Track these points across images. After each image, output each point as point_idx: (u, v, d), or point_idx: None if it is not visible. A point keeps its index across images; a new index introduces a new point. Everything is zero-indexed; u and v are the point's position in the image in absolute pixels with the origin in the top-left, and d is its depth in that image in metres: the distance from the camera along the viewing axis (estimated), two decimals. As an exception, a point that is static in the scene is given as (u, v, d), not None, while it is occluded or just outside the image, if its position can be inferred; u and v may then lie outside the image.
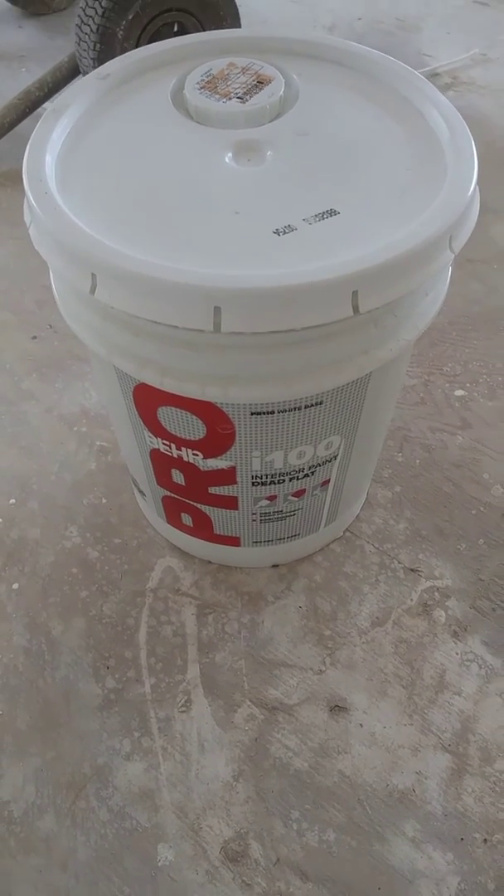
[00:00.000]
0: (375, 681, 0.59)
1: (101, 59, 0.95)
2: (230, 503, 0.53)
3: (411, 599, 0.63)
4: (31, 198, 0.39)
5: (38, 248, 0.40)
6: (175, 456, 0.49)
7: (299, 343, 0.38)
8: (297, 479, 0.51)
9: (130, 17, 0.94)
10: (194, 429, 0.46)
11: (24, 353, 0.83)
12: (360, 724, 0.57)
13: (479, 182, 0.41)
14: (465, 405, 0.77)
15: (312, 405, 0.44)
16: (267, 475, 0.50)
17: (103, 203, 0.40)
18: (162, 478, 0.54)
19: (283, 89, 0.45)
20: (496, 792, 0.53)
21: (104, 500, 0.70)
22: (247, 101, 0.44)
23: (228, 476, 0.50)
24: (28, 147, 0.42)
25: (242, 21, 1.06)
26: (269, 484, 0.51)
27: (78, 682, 0.58)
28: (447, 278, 0.46)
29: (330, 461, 0.51)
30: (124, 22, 0.93)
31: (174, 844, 0.51)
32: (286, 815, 0.53)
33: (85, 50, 0.96)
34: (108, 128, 0.45)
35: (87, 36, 0.95)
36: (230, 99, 0.45)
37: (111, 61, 0.48)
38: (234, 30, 0.53)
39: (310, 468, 0.51)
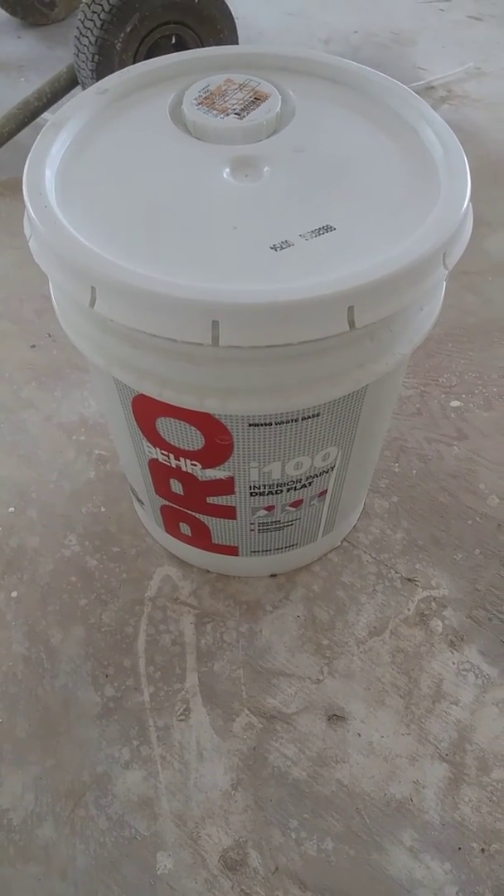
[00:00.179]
0: (373, 690, 0.59)
1: (99, 71, 0.96)
2: (228, 513, 0.54)
3: (408, 609, 0.63)
4: (31, 211, 0.40)
5: (38, 261, 0.41)
6: (174, 466, 0.50)
7: (296, 357, 0.39)
8: (295, 489, 0.52)
9: (129, 29, 0.95)
10: (193, 439, 0.46)
11: (24, 362, 0.83)
12: (358, 734, 0.57)
13: (473, 195, 0.41)
14: (461, 416, 0.77)
15: (309, 417, 0.44)
16: (265, 486, 0.50)
17: (103, 217, 0.40)
18: (160, 487, 0.55)
19: (279, 106, 0.46)
20: (493, 801, 0.54)
21: (103, 509, 0.70)
22: (244, 117, 0.45)
23: (227, 486, 0.50)
24: (28, 161, 0.42)
25: (240, 34, 1.07)
26: (267, 494, 0.51)
27: (77, 690, 0.59)
28: (442, 293, 0.46)
29: (327, 472, 0.52)
30: (122, 34, 0.94)
31: (173, 853, 0.52)
32: (285, 824, 0.53)
33: (83, 61, 0.97)
34: (107, 142, 0.46)
35: (85, 47, 0.96)
36: (227, 115, 0.45)
37: (110, 76, 0.49)
38: (231, 46, 0.54)
39: (307, 479, 0.51)
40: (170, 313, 0.36)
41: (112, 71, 0.86)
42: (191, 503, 0.54)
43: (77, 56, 0.98)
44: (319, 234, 0.39)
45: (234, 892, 0.50)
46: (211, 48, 0.52)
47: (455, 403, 0.78)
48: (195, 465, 0.49)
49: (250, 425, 0.44)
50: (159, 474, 0.53)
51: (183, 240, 0.39)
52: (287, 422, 0.44)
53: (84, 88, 1.02)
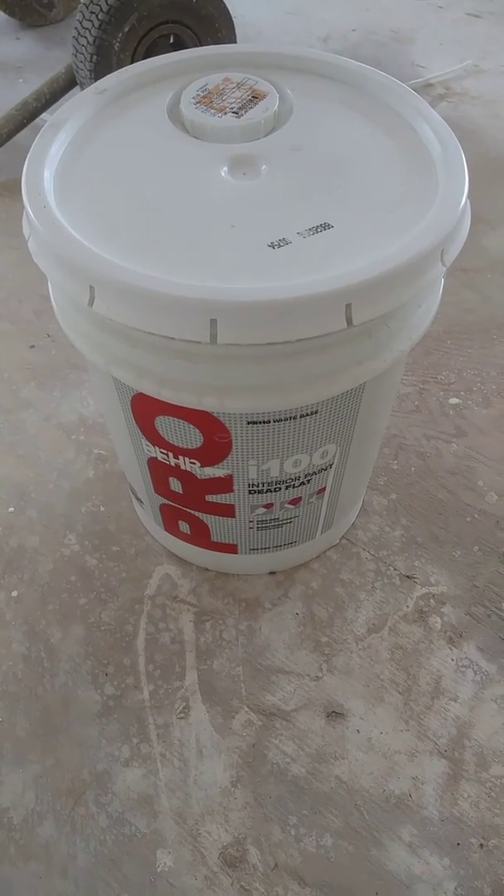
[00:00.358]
0: (372, 687, 0.59)
1: (97, 71, 0.96)
2: (227, 511, 0.54)
3: (407, 606, 0.63)
4: (30, 211, 0.40)
5: (37, 261, 0.41)
6: (172, 464, 0.50)
7: (294, 354, 0.39)
8: (294, 487, 0.52)
9: (127, 29, 0.95)
10: (191, 438, 0.46)
11: (23, 362, 0.83)
12: (357, 730, 0.57)
13: (471, 192, 0.41)
14: (460, 413, 0.77)
15: (308, 414, 0.44)
16: (263, 483, 0.50)
17: (101, 216, 0.41)
18: (160, 486, 0.55)
19: (277, 104, 0.46)
20: (492, 797, 0.54)
21: (102, 508, 0.70)
22: (242, 115, 0.45)
23: (225, 484, 0.50)
24: (27, 161, 0.43)
25: (238, 32, 1.07)
26: (266, 492, 0.51)
27: (77, 689, 0.59)
28: (439, 290, 0.47)
29: (326, 469, 0.52)
30: (120, 34, 0.94)
31: (173, 850, 0.52)
32: (284, 821, 0.53)
33: (82, 61, 0.97)
34: (106, 142, 0.46)
35: (83, 48, 0.96)
36: (225, 114, 0.45)
37: (108, 76, 0.49)
38: (229, 45, 0.54)
39: (306, 476, 0.51)
40: (168, 312, 0.36)
41: (110, 71, 0.86)
42: (190, 501, 0.55)
43: (75, 56, 0.98)
44: (317, 232, 0.39)
45: (234, 889, 0.50)
46: (209, 47, 0.53)
47: (454, 401, 0.79)
48: (194, 464, 0.49)
49: (249, 423, 0.44)
50: (158, 473, 0.53)
51: (181, 238, 0.39)
52: (285, 419, 0.44)
53: (82, 89, 1.02)
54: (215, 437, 0.45)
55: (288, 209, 0.41)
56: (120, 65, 0.95)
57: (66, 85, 1.06)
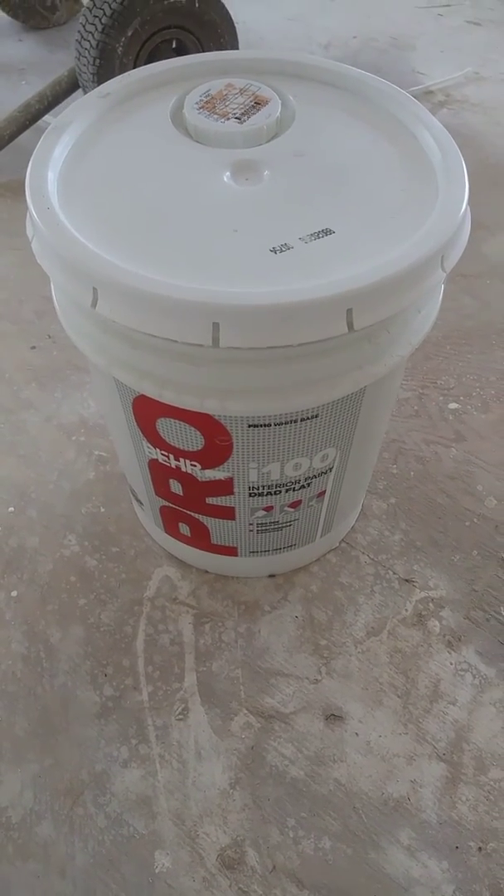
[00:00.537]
0: (371, 690, 0.59)
1: (100, 74, 0.96)
2: (227, 513, 0.54)
3: (406, 610, 0.64)
4: (33, 212, 0.40)
5: (41, 262, 0.41)
6: (173, 466, 0.50)
7: (295, 358, 0.39)
8: (294, 490, 0.52)
9: (130, 33, 0.95)
10: (192, 440, 0.46)
11: (24, 363, 0.83)
12: (356, 733, 0.57)
13: (471, 199, 0.42)
14: (459, 418, 0.78)
15: (308, 418, 0.45)
16: (264, 486, 0.51)
17: (104, 219, 0.41)
18: (160, 488, 0.55)
19: (279, 110, 0.47)
20: (490, 800, 0.54)
21: (102, 509, 0.70)
22: (244, 121, 0.46)
23: (226, 487, 0.51)
24: (31, 163, 0.43)
25: (240, 38, 1.08)
26: (266, 495, 0.52)
27: (76, 689, 0.59)
28: (439, 295, 0.47)
29: (326, 473, 0.52)
30: (123, 38, 0.95)
31: (171, 851, 0.52)
32: (282, 823, 0.53)
33: (84, 65, 0.98)
34: (109, 145, 0.46)
35: (86, 51, 0.96)
36: (228, 119, 0.46)
37: (112, 80, 0.49)
38: (232, 51, 0.54)
39: (306, 480, 0.51)
40: (171, 315, 0.36)
41: (113, 75, 0.87)
42: (190, 503, 0.55)
43: (78, 60, 0.99)
44: (319, 238, 0.39)
45: (232, 891, 0.50)
46: (212, 53, 0.53)
47: (453, 405, 0.79)
48: (195, 466, 0.49)
49: (250, 426, 0.44)
50: (159, 475, 0.53)
51: (184, 242, 0.40)
52: (286, 423, 0.44)
53: (85, 92, 1.02)
54: (216, 440, 0.46)
55: (290, 214, 0.41)
56: (123, 69, 0.96)
57: (68, 88, 1.07)
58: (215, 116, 0.46)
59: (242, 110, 0.46)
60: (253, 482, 0.50)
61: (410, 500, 0.71)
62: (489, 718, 0.58)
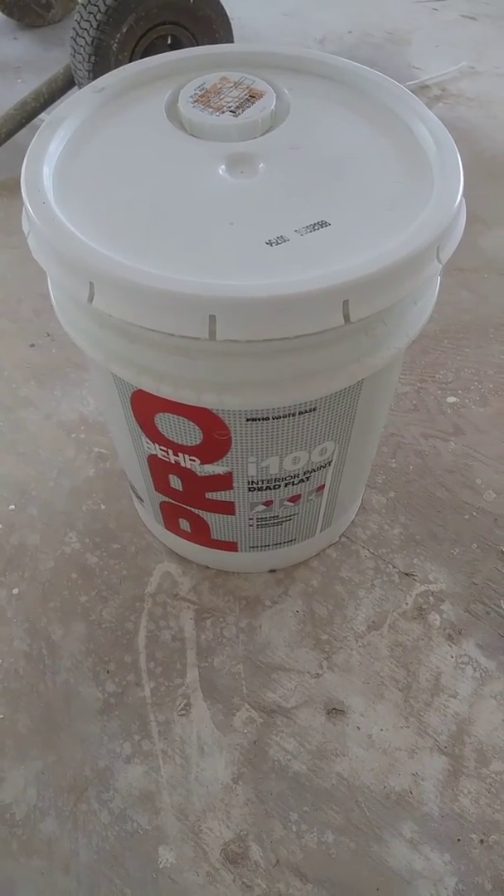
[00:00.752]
0: (372, 684, 0.59)
1: (95, 71, 0.96)
2: (227, 508, 0.54)
3: (406, 603, 0.64)
4: (29, 208, 0.40)
5: (37, 258, 0.41)
6: (172, 461, 0.50)
7: (292, 351, 0.39)
8: (293, 484, 0.52)
9: (125, 29, 0.95)
10: (191, 435, 0.46)
11: (23, 361, 0.83)
12: (358, 727, 0.57)
13: (467, 193, 0.42)
14: (458, 412, 0.78)
15: (306, 412, 0.45)
16: (263, 480, 0.51)
17: (100, 213, 0.41)
18: (160, 483, 0.55)
19: (274, 103, 0.47)
20: (492, 793, 0.54)
21: (103, 506, 0.70)
22: (239, 114, 0.46)
23: (225, 481, 0.51)
24: (26, 158, 0.43)
25: (235, 34, 1.08)
26: (266, 489, 0.52)
27: (78, 686, 0.59)
28: (436, 288, 0.47)
29: (324, 467, 0.52)
30: (119, 35, 0.95)
31: (175, 846, 0.52)
32: (285, 817, 0.53)
33: (80, 62, 0.98)
34: (104, 140, 0.46)
35: (82, 48, 0.96)
36: (223, 112, 0.46)
37: (106, 75, 0.49)
38: (226, 45, 0.54)
39: (305, 474, 0.51)
40: (167, 308, 0.36)
41: (108, 71, 0.86)
42: (190, 499, 0.55)
43: (73, 57, 0.99)
44: (314, 230, 0.39)
45: (236, 885, 0.51)
46: (206, 47, 0.53)
47: (451, 399, 0.79)
48: (194, 461, 0.49)
49: (248, 420, 0.44)
50: (158, 470, 0.53)
51: (180, 235, 0.40)
52: (284, 416, 0.44)
53: (80, 89, 1.02)
54: (215, 434, 0.46)
55: (285, 207, 0.41)
56: (118, 65, 0.95)
57: (64, 85, 1.06)
58: (210, 110, 0.46)
59: (237, 104, 0.46)
60: (252, 476, 0.50)
61: (409, 494, 0.71)
62: (490, 711, 0.58)
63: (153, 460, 0.52)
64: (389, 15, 1.49)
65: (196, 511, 0.56)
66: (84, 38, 0.95)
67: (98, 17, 0.93)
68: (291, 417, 0.45)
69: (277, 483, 0.51)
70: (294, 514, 0.56)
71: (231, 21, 1.05)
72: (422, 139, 0.45)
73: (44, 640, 0.62)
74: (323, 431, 0.47)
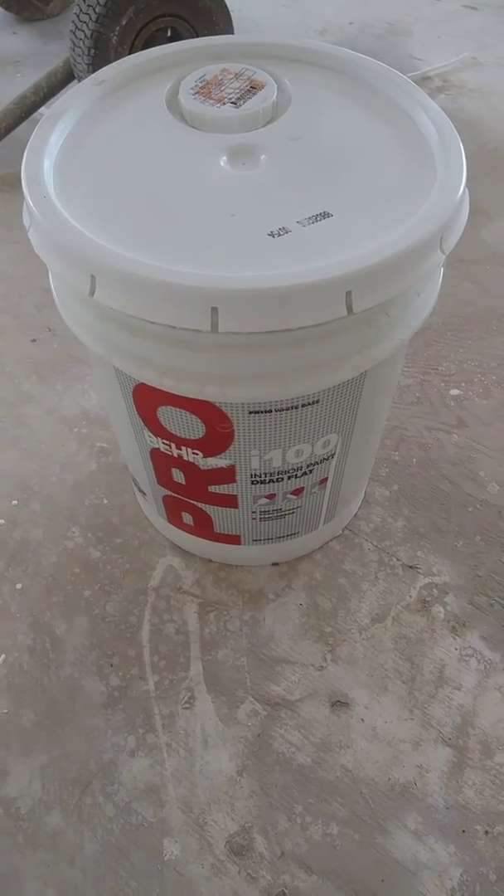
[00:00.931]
0: (376, 676, 0.59)
1: (95, 64, 0.96)
2: (230, 502, 0.54)
3: (410, 596, 0.64)
4: (30, 201, 0.40)
5: (38, 251, 0.41)
6: (175, 455, 0.50)
7: (295, 343, 0.39)
8: (296, 477, 0.52)
9: (124, 22, 0.95)
10: (194, 428, 0.46)
11: (24, 356, 0.83)
12: (362, 719, 0.57)
13: (470, 184, 0.41)
14: (461, 404, 0.78)
15: (309, 404, 0.44)
16: (266, 473, 0.50)
17: (101, 206, 0.41)
18: (162, 477, 0.55)
19: (275, 94, 0.46)
20: (497, 784, 0.54)
21: (105, 501, 0.70)
22: (240, 106, 0.45)
23: (228, 475, 0.50)
24: (26, 152, 0.43)
25: (235, 26, 1.07)
26: (269, 482, 0.52)
27: (82, 680, 0.59)
28: (439, 279, 0.47)
29: (327, 459, 0.52)
30: (118, 27, 0.94)
31: (180, 839, 0.52)
32: (290, 810, 0.53)
33: (79, 55, 0.97)
34: (105, 132, 0.46)
35: (81, 41, 0.96)
36: (224, 104, 0.46)
37: (106, 67, 0.49)
38: (226, 36, 0.54)
39: (308, 466, 0.51)
40: (169, 300, 0.36)
41: (108, 64, 0.86)
42: (192, 492, 0.55)
43: (73, 50, 0.98)
44: (317, 221, 0.39)
45: (241, 877, 0.51)
46: (206, 38, 0.53)
47: (454, 392, 0.79)
48: (196, 454, 0.49)
49: (250, 412, 0.44)
50: (161, 464, 0.53)
51: (181, 228, 0.39)
52: (287, 409, 0.44)
53: (80, 82, 1.02)
54: (217, 427, 0.46)
55: (287, 198, 0.41)
56: (118, 58, 0.94)
57: (64, 79, 1.06)
58: (211, 101, 0.46)
59: (238, 95, 0.46)
60: (255, 469, 0.50)
61: (413, 486, 0.71)
62: (494, 703, 0.58)
63: (156, 454, 0.52)
64: (390, 5, 1.48)
65: (199, 504, 0.56)
66: (83, 31, 0.94)
67: (97, 10, 0.92)
68: (294, 410, 0.44)
69: (280, 476, 0.51)
70: (297, 507, 0.56)
71: (231, 13, 1.05)
72: (424, 129, 0.44)
73: (47, 634, 0.62)
74: (326, 424, 0.47)
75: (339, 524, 0.66)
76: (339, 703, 0.58)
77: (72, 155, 0.44)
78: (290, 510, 0.56)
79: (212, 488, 0.53)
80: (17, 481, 0.72)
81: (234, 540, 0.60)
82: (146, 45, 0.99)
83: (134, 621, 0.62)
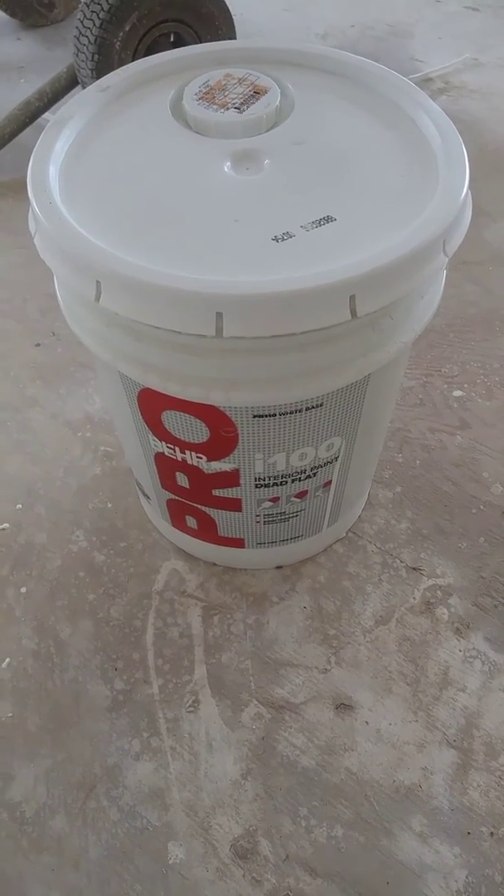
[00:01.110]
0: (380, 678, 0.59)
1: (99, 70, 0.96)
2: (234, 505, 0.54)
3: (414, 598, 0.64)
4: (35, 207, 0.40)
5: (44, 257, 0.41)
6: (179, 459, 0.50)
7: (299, 347, 0.39)
8: (300, 480, 0.52)
9: (127, 28, 0.95)
10: (198, 432, 0.46)
11: (29, 361, 0.84)
12: (366, 722, 0.57)
13: (472, 185, 0.42)
14: (464, 406, 0.78)
15: (313, 407, 0.45)
16: (270, 477, 0.51)
17: (107, 212, 0.41)
18: (166, 481, 0.55)
19: (278, 99, 0.46)
20: (502, 786, 0.54)
21: (109, 505, 0.70)
22: (244, 111, 0.46)
23: (232, 478, 0.51)
24: (32, 158, 0.43)
25: (237, 30, 1.07)
26: (272, 485, 0.52)
27: (87, 683, 0.59)
28: (442, 281, 0.47)
29: (331, 462, 0.52)
30: (121, 33, 0.95)
31: (184, 842, 0.52)
32: (294, 812, 0.53)
33: (83, 61, 0.98)
34: (110, 138, 0.46)
35: (85, 47, 0.96)
36: (227, 109, 0.46)
37: (110, 74, 0.49)
38: (230, 41, 0.54)
39: (312, 469, 0.51)
40: (174, 306, 0.36)
41: (112, 70, 0.86)
42: (197, 496, 0.55)
43: (77, 56, 0.98)
44: (320, 225, 0.39)
45: (246, 880, 0.51)
46: (210, 44, 0.53)
47: (457, 393, 0.79)
48: (201, 458, 0.49)
49: (255, 416, 0.44)
50: (165, 468, 0.53)
51: (186, 233, 0.40)
52: (291, 412, 0.44)
53: (84, 88, 1.02)
54: (221, 432, 0.46)
55: (291, 203, 0.41)
56: (121, 63, 0.95)
57: (67, 84, 1.06)
58: (215, 107, 0.46)
59: (242, 100, 0.46)
60: (259, 473, 0.50)
61: (416, 488, 0.71)
62: (499, 704, 0.58)
63: (160, 458, 0.52)
64: (391, 8, 1.48)
65: (203, 508, 0.56)
66: (87, 36, 0.95)
67: (101, 16, 0.93)
68: (298, 413, 0.45)
69: (284, 479, 0.51)
70: (301, 510, 0.57)
71: (233, 17, 1.05)
72: (426, 132, 0.44)
73: (52, 638, 0.62)
74: (330, 427, 0.47)
75: (343, 527, 0.67)
76: (344, 706, 0.58)
77: (77, 161, 0.44)
78: (293, 513, 0.56)
79: (216, 492, 0.53)
80: (22, 485, 0.72)
81: (238, 543, 0.60)
82: (149, 50, 0.99)
83: (138, 625, 0.62)
